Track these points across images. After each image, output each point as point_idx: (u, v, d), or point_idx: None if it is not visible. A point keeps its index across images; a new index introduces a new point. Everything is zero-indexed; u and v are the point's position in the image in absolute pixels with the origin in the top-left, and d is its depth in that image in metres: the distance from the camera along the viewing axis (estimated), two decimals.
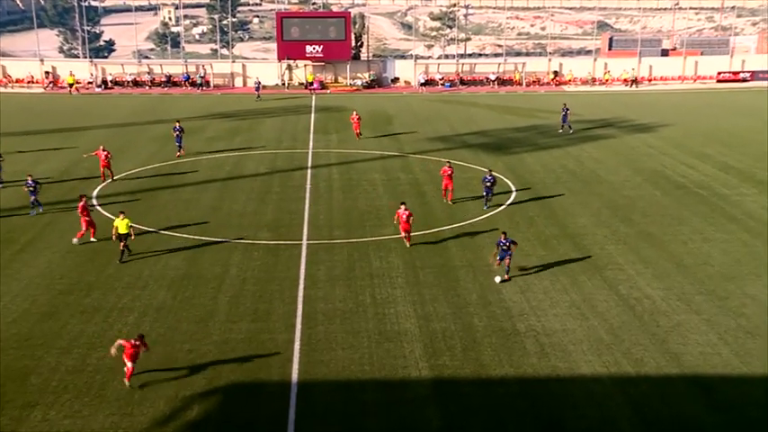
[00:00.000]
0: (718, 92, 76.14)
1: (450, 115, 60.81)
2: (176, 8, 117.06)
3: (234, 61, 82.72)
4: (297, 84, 78.91)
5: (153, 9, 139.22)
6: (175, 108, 62.64)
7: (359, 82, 79.07)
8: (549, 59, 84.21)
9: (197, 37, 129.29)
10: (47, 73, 76.59)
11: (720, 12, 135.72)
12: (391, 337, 21.00)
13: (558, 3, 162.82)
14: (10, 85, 75.78)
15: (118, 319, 21.98)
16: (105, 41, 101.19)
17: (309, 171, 40.76)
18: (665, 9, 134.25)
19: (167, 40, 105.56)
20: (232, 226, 30.96)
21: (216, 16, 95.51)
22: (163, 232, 29.94)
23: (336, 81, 79.56)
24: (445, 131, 53.12)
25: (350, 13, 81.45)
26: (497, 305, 23.03)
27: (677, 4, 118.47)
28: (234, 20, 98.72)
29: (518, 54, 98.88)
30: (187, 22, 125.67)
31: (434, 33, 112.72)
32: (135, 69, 79.03)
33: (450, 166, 34.70)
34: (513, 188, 36.76)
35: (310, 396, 17.99)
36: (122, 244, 26.34)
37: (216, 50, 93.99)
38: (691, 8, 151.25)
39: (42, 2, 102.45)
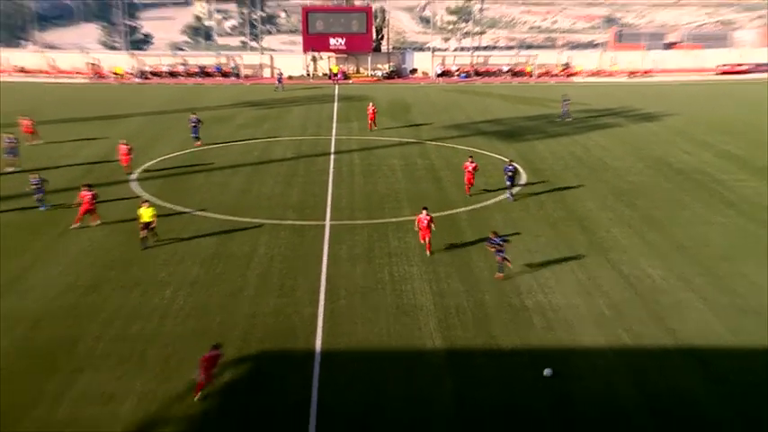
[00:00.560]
0: (720, 83, 75.20)
1: (466, 104, 60.59)
2: (208, 2, 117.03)
3: (263, 53, 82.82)
4: (321, 74, 78.92)
5: (185, 3, 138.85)
6: (207, 97, 62.96)
7: (379, 73, 78.96)
8: (559, 52, 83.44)
9: (228, 30, 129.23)
10: (91, 65, 77.16)
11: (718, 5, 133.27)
12: (408, 311, 21.17)
13: None
14: (58, 75, 76.46)
15: (156, 293, 22.29)
16: (143, 35, 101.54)
17: (332, 156, 40.88)
18: (671, 4, 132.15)
19: (200, 33, 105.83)
20: (261, 207, 31.20)
21: (246, 11, 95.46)
22: (196, 213, 30.28)
23: (358, 72, 79.49)
24: (461, 120, 52.96)
25: (371, 7, 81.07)
26: (507, 283, 23.11)
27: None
28: (262, 14, 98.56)
29: (530, 47, 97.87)
30: (219, 16, 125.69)
31: (451, 27, 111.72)
32: (171, 61, 79.41)
33: (472, 161, 32.61)
34: (524, 173, 36.73)
35: (333, 365, 18.23)
36: (144, 231, 26.11)
37: (245, 43, 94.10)
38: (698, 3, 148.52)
39: None
